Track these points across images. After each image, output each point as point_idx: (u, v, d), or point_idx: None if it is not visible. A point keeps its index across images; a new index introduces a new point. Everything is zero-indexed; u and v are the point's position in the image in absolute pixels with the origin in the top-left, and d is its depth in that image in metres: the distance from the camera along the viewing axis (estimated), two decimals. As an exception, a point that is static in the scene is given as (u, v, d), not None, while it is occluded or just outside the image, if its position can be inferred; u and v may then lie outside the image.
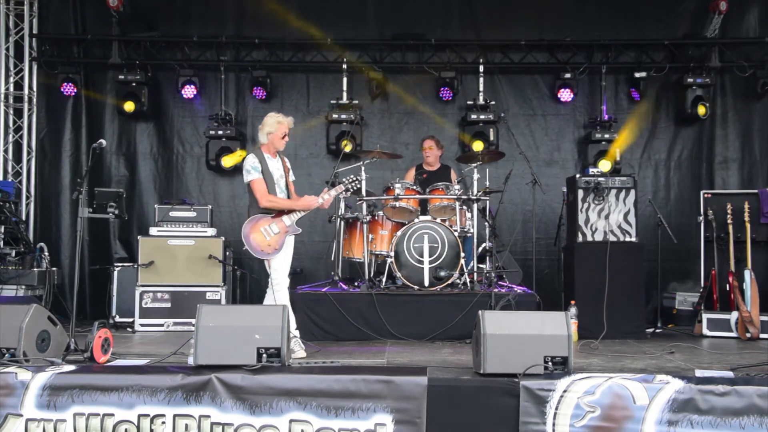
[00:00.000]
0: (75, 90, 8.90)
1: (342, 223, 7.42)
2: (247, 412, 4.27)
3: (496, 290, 6.71)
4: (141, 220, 9.00)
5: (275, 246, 5.67)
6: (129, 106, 8.82)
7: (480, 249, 7.47)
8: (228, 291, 7.79)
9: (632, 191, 7.17)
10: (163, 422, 4.28)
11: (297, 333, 5.81)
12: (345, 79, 8.98)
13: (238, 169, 9.08)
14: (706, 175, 9.03)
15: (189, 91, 8.99)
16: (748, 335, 6.86)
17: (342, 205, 7.41)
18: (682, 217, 8.89)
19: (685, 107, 8.91)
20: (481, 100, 8.99)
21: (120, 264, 7.96)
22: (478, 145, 8.67)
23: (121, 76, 8.85)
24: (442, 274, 6.88)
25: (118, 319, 7.70)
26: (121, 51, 8.92)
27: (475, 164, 7.36)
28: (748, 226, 7.33)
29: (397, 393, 4.24)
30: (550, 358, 4.38)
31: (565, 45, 9.07)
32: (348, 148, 8.48)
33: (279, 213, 5.79)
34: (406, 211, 7.26)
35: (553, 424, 4.17)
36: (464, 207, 7.34)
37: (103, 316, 7.67)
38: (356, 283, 7.23)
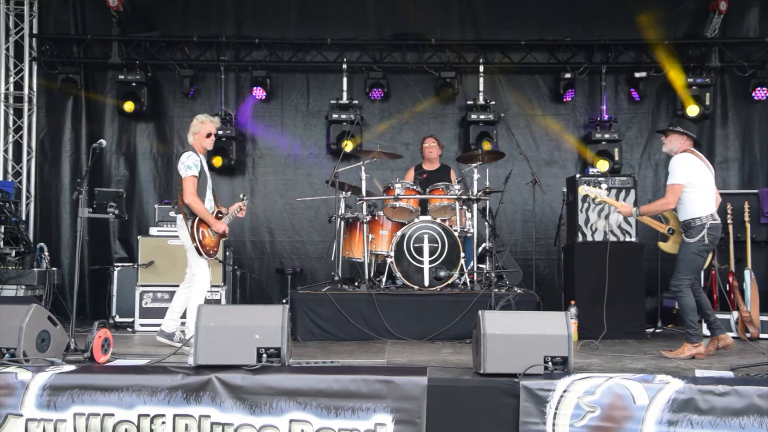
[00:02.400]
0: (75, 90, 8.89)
1: (342, 223, 7.41)
2: (247, 412, 4.27)
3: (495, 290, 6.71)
4: (141, 220, 9.00)
5: (216, 248, 5.80)
6: (129, 106, 8.82)
7: (480, 249, 7.48)
8: (228, 291, 7.79)
9: (632, 191, 7.16)
10: (163, 422, 4.28)
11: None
12: (345, 79, 8.97)
13: (238, 169, 9.10)
14: (706, 175, 9.00)
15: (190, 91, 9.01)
16: (748, 335, 6.86)
17: (342, 205, 7.41)
18: (682, 217, 8.87)
19: (676, 108, 8.91)
20: (481, 100, 8.99)
21: (120, 264, 7.95)
22: (486, 145, 8.64)
23: (121, 76, 8.85)
24: (442, 274, 6.88)
25: (118, 319, 7.69)
26: (121, 51, 8.92)
27: (475, 164, 7.36)
28: (748, 226, 7.34)
29: (397, 393, 4.24)
30: (550, 358, 4.38)
31: (565, 45, 9.07)
32: (349, 148, 8.48)
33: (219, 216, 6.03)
34: (406, 211, 7.26)
35: (553, 424, 4.17)
36: (464, 207, 7.34)
37: (103, 316, 7.68)
38: (356, 283, 7.23)
